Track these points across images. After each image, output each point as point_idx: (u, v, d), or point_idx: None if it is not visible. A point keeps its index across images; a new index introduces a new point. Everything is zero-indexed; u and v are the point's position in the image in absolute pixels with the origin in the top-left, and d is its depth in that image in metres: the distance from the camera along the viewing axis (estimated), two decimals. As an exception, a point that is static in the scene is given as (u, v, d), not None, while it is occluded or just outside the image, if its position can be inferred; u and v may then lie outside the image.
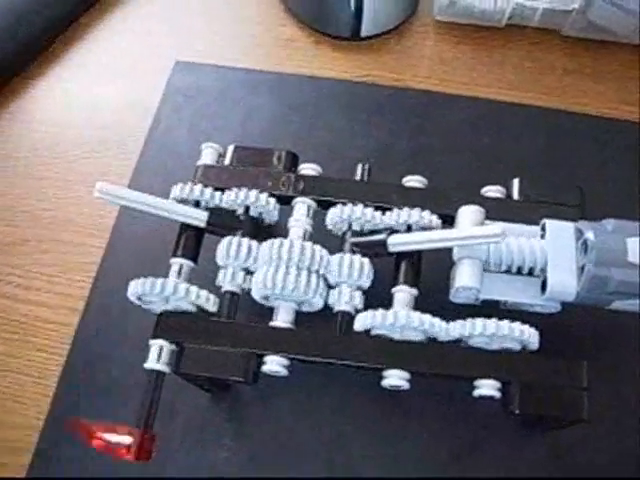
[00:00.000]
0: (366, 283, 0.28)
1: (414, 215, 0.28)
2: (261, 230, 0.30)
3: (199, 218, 0.29)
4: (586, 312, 0.28)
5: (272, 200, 0.29)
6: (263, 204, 0.29)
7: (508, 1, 0.39)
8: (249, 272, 0.29)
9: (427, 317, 0.26)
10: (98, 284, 0.35)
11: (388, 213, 0.29)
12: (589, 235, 0.26)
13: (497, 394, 0.26)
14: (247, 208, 0.30)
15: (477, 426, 0.30)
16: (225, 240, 0.28)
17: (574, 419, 0.25)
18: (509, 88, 0.39)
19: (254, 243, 0.28)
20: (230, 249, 0.28)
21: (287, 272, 0.27)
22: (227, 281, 0.28)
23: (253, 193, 0.29)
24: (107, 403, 0.32)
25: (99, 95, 0.41)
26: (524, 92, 0.39)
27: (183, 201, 0.29)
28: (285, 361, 0.27)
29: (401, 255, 0.28)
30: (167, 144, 0.39)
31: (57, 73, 0.42)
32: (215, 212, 0.29)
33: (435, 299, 0.28)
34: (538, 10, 0.39)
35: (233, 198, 0.29)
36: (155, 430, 0.26)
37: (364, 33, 0.40)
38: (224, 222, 0.30)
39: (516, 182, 0.30)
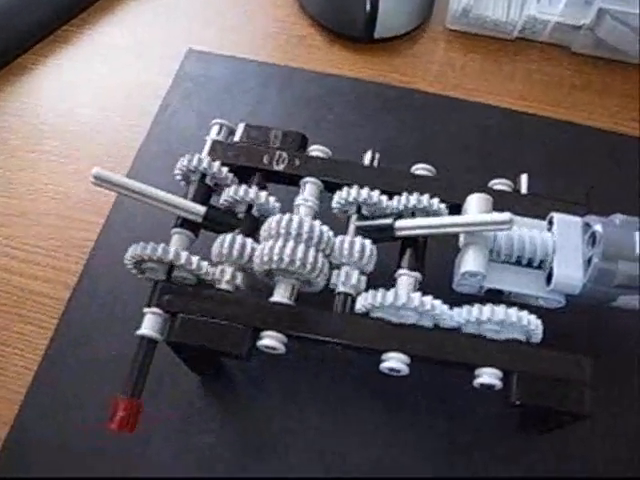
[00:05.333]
0: (369, 266, 0.28)
1: (421, 200, 0.28)
2: (259, 225, 0.29)
3: (196, 213, 0.28)
4: (592, 310, 0.28)
5: (272, 199, 0.29)
6: (263, 202, 0.29)
7: (520, 13, 0.40)
8: (244, 270, 0.28)
9: (428, 298, 0.25)
10: (93, 260, 0.34)
11: (395, 198, 0.29)
12: (597, 227, 0.26)
13: (498, 383, 0.25)
14: (248, 206, 0.29)
15: (475, 424, 0.30)
16: (223, 237, 0.28)
17: (575, 414, 0.25)
18: (517, 98, 0.40)
19: (253, 243, 0.27)
20: (229, 247, 0.27)
21: (296, 247, 0.26)
22: (224, 280, 0.27)
23: (253, 191, 0.29)
24: (92, 379, 0.31)
25: (108, 76, 0.41)
26: (532, 102, 0.39)
27: (190, 172, 0.29)
28: (283, 338, 0.26)
29: (407, 240, 0.28)
30: (173, 128, 0.38)
31: (69, 53, 0.42)
32: (213, 208, 0.29)
33: (438, 289, 0.27)
34: (549, 24, 0.40)
35: (232, 195, 0.29)
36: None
37: (377, 35, 0.41)
38: (222, 218, 0.29)
39: (524, 177, 0.30)
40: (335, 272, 0.28)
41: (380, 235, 0.28)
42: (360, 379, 0.31)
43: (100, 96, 0.40)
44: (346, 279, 0.27)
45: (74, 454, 0.30)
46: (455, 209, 0.29)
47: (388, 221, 0.28)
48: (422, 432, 0.30)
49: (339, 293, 0.27)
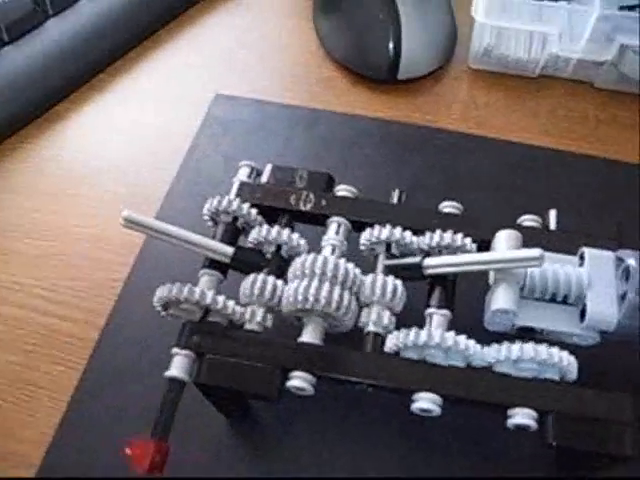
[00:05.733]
0: (399, 306, 0.27)
1: (450, 238, 0.28)
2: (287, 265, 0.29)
3: (224, 253, 0.29)
4: (630, 348, 0.27)
5: (301, 240, 0.29)
6: (290, 242, 0.29)
7: (542, 51, 0.40)
8: (272, 311, 0.28)
9: (462, 337, 0.25)
10: (122, 301, 0.35)
11: (424, 235, 0.29)
12: (630, 262, 0.25)
13: (533, 424, 0.24)
14: (276, 247, 0.29)
15: (509, 467, 0.29)
16: (251, 278, 0.28)
17: (616, 456, 0.24)
18: (542, 134, 0.40)
19: (281, 284, 0.28)
20: (257, 287, 0.27)
21: (321, 286, 0.26)
22: (252, 321, 0.27)
23: (279, 231, 0.29)
24: (121, 422, 0.31)
25: (139, 122, 0.42)
26: (557, 138, 0.39)
27: (218, 213, 0.30)
28: (312, 378, 0.26)
29: (435, 279, 0.28)
30: (201, 170, 0.39)
31: (102, 100, 0.43)
32: (241, 248, 0.29)
33: (469, 328, 0.27)
34: (571, 61, 0.40)
35: (260, 235, 0.29)
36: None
37: (400, 76, 0.41)
38: (250, 259, 0.29)
39: (553, 213, 0.30)
40: (364, 312, 0.27)
41: (408, 273, 0.28)
42: (391, 420, 0.30)
43: (131, 140, 0.41)
44: (376, 319, 0.27)
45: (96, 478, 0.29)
46: (484, 246, 0.28)
47: (416, 259, 0.28)
48: (455, 474, 0.29)
49: (368, 333, 0.27)
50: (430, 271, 0.27)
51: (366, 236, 0.29)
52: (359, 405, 0.31)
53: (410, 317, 0.27)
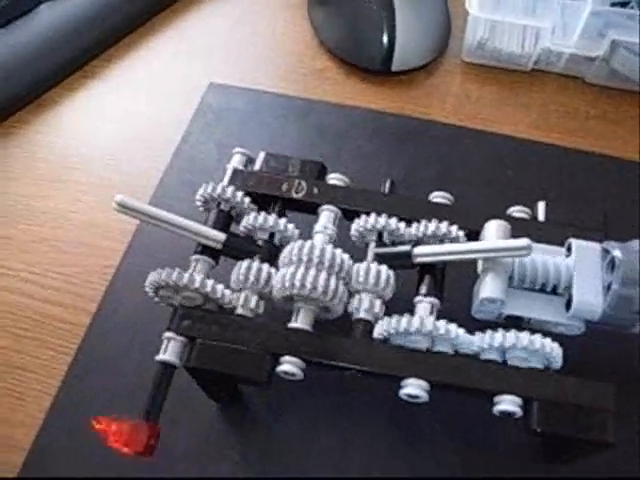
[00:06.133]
0: (388, 293, 0.28)
1: (439, 227, 0.28)
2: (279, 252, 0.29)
3: (216, 239, 0.29)
4: (615, 338, 0.27)
5: (291, 226, 0.29)
6: (282, 229, 0.29)
7: (535, 46, 0.40)
8: (263, 296, 0.28)
9: (443, 322, 0.26)
10: (113, 287, 0.35)
11: (414, 225, 0.29)
12: (616, 253, 0.26)
13: (518, 411, 0.25)
14: (268, 234, 0.29)
15: (495, 454, 0.30)
16: (242, 264, 0.28)
17: (599, 443, 0.24)
18: (533, 128, 0.40)
19: (272, 270, 0.28)
20: (249, 273, 0.27)
21: (309, 273, 0.27)
22: (243, 306, 0.27)
23: (272, 218, 0.29)
24: (111, 406, 0.31)
25: (132, 110, 0.42)
26: (548, 132, 0.40)
27: (211, 199, 0.30)
28: (302, 364, 0.26)
29: (425, 267, 0.28)
30: (195, 158, 0.39)
31: (97, 87, 0.43)
32: (233, 235, 0.29)
33: (457, 316, 0.27)
34: (563, 56, 0.40)
35: (252, 222, 0.29)
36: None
37: (394, 68, 0.42)
38: (241, 245, 0.29)
39: (541, 205, 0.30)
40: (353, 299, 0.28)
41: (398, 262, 0.28)
42: (379, 407, 0.31)
43: (124, 128, 0.41)
44: (365, 306, 0.27)
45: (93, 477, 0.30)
46: (473, 236, 0.29)
47: (406, 248, 0.28)
48: (441, 460, 0.30)
49: (358, 319, 0.27)
50: (419, 260, 0.28)
51: (357, 225, 0.29)
52: (348, 392, 0.31)
53: (399, 306, 0.28)
